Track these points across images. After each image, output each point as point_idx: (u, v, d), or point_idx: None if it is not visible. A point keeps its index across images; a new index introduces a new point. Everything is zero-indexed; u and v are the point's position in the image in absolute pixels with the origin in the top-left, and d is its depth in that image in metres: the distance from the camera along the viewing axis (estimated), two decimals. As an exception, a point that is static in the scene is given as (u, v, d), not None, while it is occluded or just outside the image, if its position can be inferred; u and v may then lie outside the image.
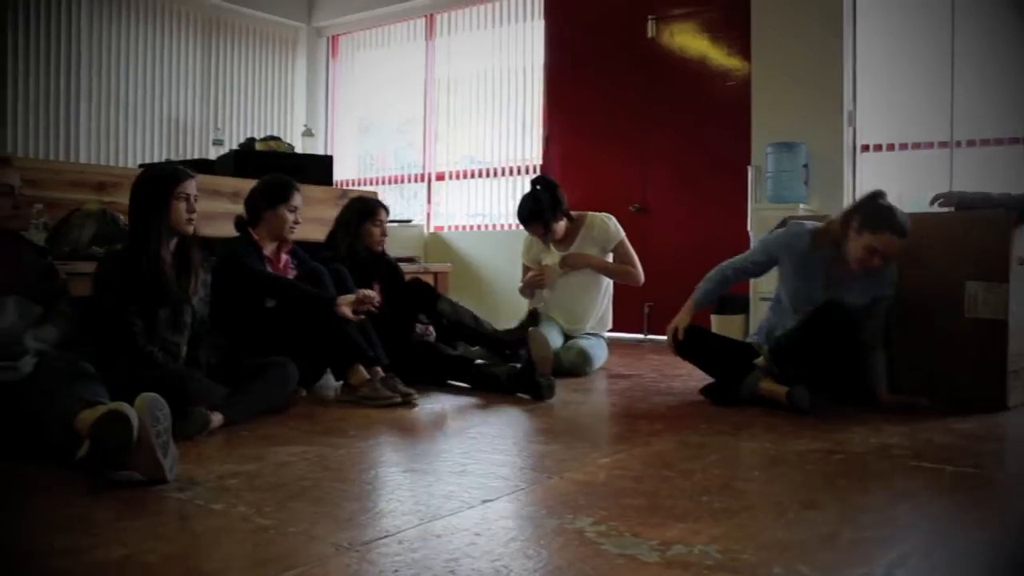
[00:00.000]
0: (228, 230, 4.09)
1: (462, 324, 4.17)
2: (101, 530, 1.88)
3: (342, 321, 3.59)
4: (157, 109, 8.06)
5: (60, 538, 1.83)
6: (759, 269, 3.93)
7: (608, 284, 4.87)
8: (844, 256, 3.52)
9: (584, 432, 3.22)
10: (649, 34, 6.71)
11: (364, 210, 4.37)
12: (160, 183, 3.16)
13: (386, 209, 4.47)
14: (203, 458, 2.54)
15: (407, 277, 4.47)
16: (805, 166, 5.63)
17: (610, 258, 4.80)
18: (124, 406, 2.22)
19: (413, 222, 8.09)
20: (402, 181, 8.68)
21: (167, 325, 3.13)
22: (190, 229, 3.19)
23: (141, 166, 7.02)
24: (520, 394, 3.78)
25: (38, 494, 2.20)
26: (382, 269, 4.38)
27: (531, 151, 7.66)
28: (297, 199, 3.89)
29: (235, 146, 7.24)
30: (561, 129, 7.25)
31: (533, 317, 4.35)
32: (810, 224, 3.72)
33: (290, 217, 3.85)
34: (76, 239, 3.72)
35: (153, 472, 2.22)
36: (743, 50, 6.23)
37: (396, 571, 1.63)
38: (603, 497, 2.18)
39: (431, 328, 4.29)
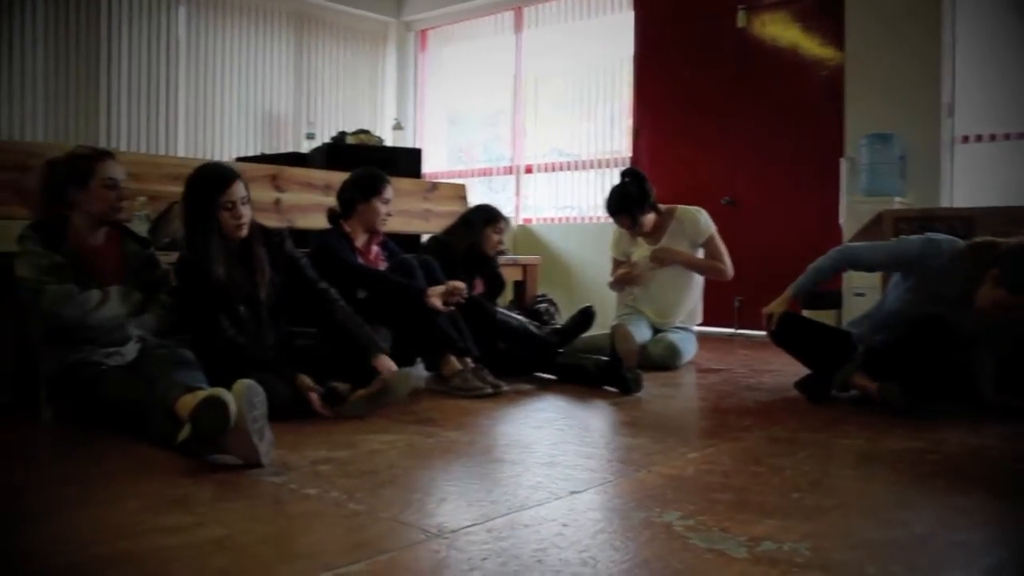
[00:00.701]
0: (321, 222, 4.18)
1: (515, 331, 4.22)
2: (202, 510, 1.96)
3: (432, 312, 3.64)
4: (252, 104, 8.25)
5: (165, 517, 1.90)
6: (877, 270, 3.83)
7: (698, 278, 4.82)
8: (971, 294, 3.32)
9: (672, 426, 3.20)
10: (739, 24, 6.61)
11: (490, 216, 4.60)
12: (202, 197, 3.16)
13: (507, 221, 4.70)
14: (297, 444, 2.60)
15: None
16: (902, 158, 5.48)
17: (700, 252, 4.75)
18: (222, 392, 2.29)
19: (509, 226, 8.13)
20: (491, 174, 8.73)
21: (249, 318, 3.20)
22: (241, 234, 3.18)
23: (238, 159, 7.24)
24: (607, 387, 3.78)
25: (145, 475, 2.28)
26: (488, 269, 4.54)
27: (620, 144, 7.62)
28: (389, 191, 3.96)
29: (327, 140, 7.38)
30: (650, 121, 7.19)
31: (584, 314, 4.36)
32: (947, 245, 3.46)
33: (383, 209, 3.93)
34: (176, 231, 3.83)
35: (249, 456, 2.30)
36: (836, 39, 6.09)
37: (484, 559, 1.65)
38: (691, 491, 2.17)
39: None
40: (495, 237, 4.58)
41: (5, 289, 3.25)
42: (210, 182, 3.16)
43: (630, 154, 7.33)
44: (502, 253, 4.78)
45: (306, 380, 3.03)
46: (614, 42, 7.62)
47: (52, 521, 1.90)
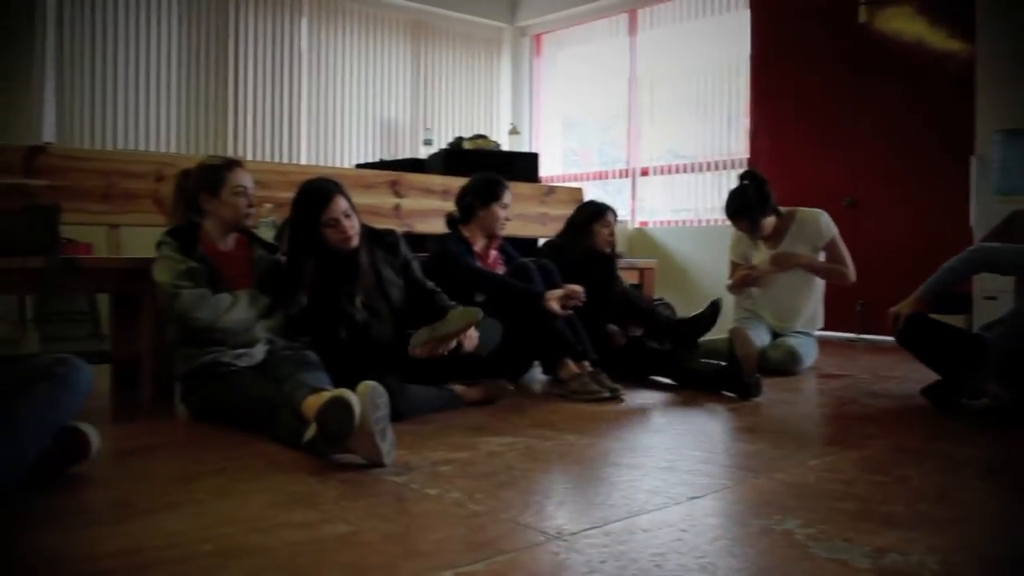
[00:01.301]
0: (440, 227, 4.26)
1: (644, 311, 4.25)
2: (327, 507, 2.02)
3: (550, 315, 3.66)
4: (370, 112, 8.46)
5: (293, 513, 1.98)
6: (1013, 274, 3.66)
7: (819, 282, 4.72)
8: None
9: (792, 432, 3.13)
10: (861, 19, 6.43)
11: (594, 212, 4.53)
12: (305, 217, 3.25)
13: (614, 213, 4.58)
14: (418, 445, 2.66)
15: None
16: (1037, 155, 5.23)
17: (821, 256, 4.65)
18: (347, 393, 2.36)
19: (619, 217, 8.11)
20: (606, 177, 8.72)
21: (368, 323, 3.28)
22: (349, 246, 3.26)
23: (358, 166, 7.43)
24: (726, 392, 3.73)
25: (273, 472, 2.37)
26: (605, 270, 4.48)
27: (737, 145, 7.52)
28: (508, 197, 4.00)
29: (444, 145, 7.50)
30: (768, 122, 7.06)
31: (713, 307, 4.30)
32: None
33: (502, 214, 3.98)
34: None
35: (372, 456, 2.36)
36: (966, 32, 5.86)
37: (603, 562, 1.66)
38: (812, 499, 2.13)
39: (618, 328, 4.30)
40: (604, 231, 4.50)
41: (145, 292, 3.44)
42: (311, 202, 3.25)
43: (747, 155, 7.21)
44: (615, 250, 4.73)
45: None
46: (730, 42, 7.52)
47: (191, 512, 1.99)
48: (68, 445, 2.31)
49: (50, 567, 1.67)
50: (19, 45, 6.46)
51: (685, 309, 4.67)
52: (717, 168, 7.68)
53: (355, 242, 3.27)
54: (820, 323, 4.81)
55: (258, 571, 1.63)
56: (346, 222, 3.23)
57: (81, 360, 2.33)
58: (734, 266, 4.86)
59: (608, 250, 4.53)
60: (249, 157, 7.33)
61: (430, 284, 3.50)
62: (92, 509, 2.11)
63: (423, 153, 7.75)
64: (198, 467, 2.44)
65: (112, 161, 4.28)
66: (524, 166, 6.87)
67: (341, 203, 3.24)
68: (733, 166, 7.44)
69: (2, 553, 1.75)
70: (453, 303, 3.40)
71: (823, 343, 5.01)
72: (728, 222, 4.75)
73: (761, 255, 4.67)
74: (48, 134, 6.51)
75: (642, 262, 5.85)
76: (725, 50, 7.61)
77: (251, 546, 1.76)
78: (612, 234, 4.54)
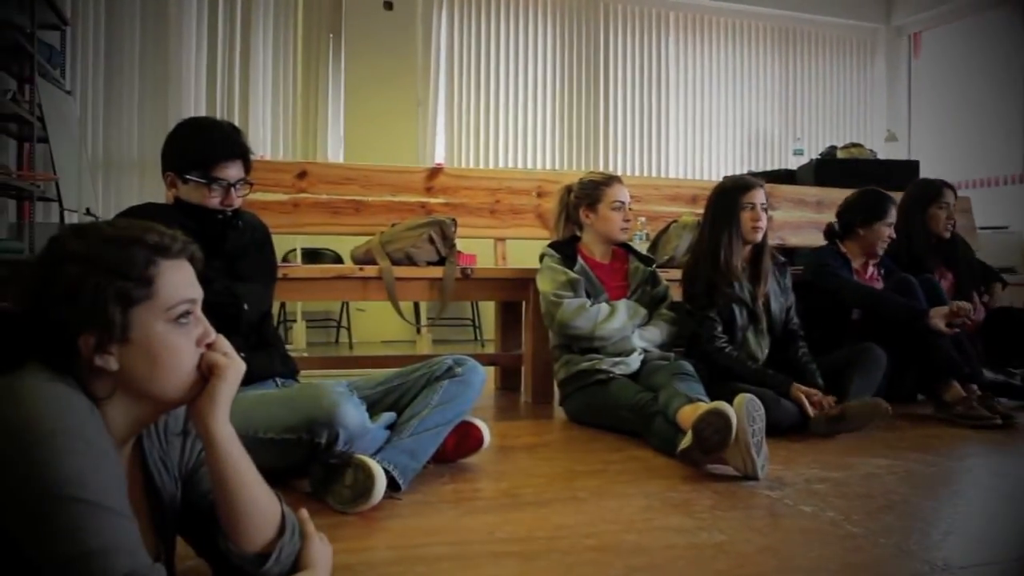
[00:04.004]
0: (811, 239, 4.16)
1: None
2: (701, 515, 2.08)
3: (935, 334, 3.45)
4: (738, 123, 8.42)
5: (669, 517, 2.06)
6: None
7: None
8: None
9: None
10: None
11: (929, 192, 4.06)
12: (727, 195, 3.32)
13: (953, 190, 4.10)
14: (790, 460, 2.64)
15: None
16: None
17: None
18: (724, 405, 2.40)
19: (1010, 228, 7.41)
20: (997, 184, 7.99)
21: (746, 328, 3.28)
22: (757, 237, 3.27)
23: (725, 178, 7.43)
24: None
25: (648, 477, 2.47)
26: (953, 255, 4.09)
27: None
28: (893, 215, 3.78)
29: (816, 155, 7.27)
30: None
31: None
32: None
33: (887, 232, 3.76)
34: (674, 249, 4.04)
35: (746, 468, 2.38)
36: None
37: (998, 599, 1.57)
38: None
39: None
40: (942, 213, 4.00)
41: (527, 301, 3.71)
42: (737, 183, 3.37)
43: None
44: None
45: (801, 389, 3.07)
46: None
47: (573, 508, 2.15)
48: (464, 437, 2.56)
49: (460, 546, 1.88)
50: (414, 82, 7.23)
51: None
52: None
53: (760, 236, 3.30)
54: None
55: (638, 570, 1.72)
56: (761, 212, 3.28)
57: (476, 362, 2.57)
58: None
59: (947, 235, 4.04)
60: (620, 172, 7.58)
61: (796, 322, 3.44)
62: (486, 497, 2.32)
63: (793, 163, 7.57)
64: (578, 467, 2.60)
65: (498, 179, 4.63)
66: (903, 175, 6.46)
67: (761, 195, 3.31)
68: None
69: (422, 528, 1.99)
70: (810, 361, 3.32)
71: None
72: None
73: None
74: (439, 156, 7.19)
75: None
76: None
77: (630, 545, 1.86)
78: (951, 216, 4.04)
